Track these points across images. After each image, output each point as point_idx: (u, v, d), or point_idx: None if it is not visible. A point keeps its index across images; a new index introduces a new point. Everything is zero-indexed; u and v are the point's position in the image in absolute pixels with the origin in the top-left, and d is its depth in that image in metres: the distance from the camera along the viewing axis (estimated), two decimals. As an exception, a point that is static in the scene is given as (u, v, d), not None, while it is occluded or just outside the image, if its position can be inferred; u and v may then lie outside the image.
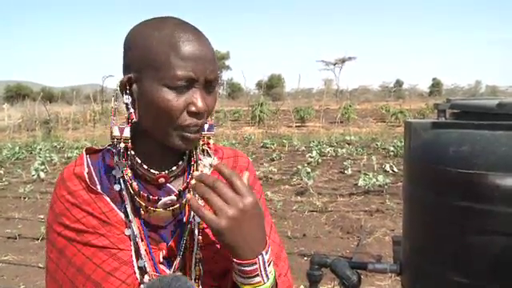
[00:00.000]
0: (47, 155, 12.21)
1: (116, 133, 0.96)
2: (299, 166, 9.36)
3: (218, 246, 1.02)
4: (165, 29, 0.92)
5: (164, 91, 0.90)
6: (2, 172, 10.25)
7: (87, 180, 1.00)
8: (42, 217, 6.76)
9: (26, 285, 4.46)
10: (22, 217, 6.88)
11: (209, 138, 1.07)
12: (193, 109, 0.92)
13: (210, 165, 1.07)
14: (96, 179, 1.02)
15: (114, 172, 1.01)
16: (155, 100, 0.90)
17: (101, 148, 1.08)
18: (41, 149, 14.15)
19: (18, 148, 14.21)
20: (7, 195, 8.30)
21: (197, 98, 0.92)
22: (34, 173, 9.53)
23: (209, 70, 0.92)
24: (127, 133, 0.96)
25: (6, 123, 22.90)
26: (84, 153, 1.06)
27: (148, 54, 0.91)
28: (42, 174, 9.60)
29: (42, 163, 10.38)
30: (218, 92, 1.01)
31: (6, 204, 7.69)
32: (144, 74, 0.92)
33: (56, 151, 13.90)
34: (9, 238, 5.92)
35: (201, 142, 1.07)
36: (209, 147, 1.08)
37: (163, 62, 0.89)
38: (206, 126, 1.06)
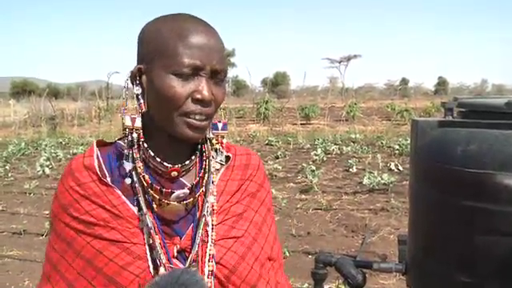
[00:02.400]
0: (52, 151, 12.26)
1: (128, 122, 0.98)
2: (304, 164, 9.36)
3: (231, 242, 1.02)
4: (175, 21, 0.95)
5: (170, 78, 0.92)
6: (7, 168, 10.29)
7: (98, 172, 1.00)
8: (47, 212, 6.78)
9: (30, 280, 4.48)
10: (27, 212, 6.91)
11: (222, 137, 1.09)
12: (198, 96, 0.93)
13: (222, 161, 1.09)
14: (106, 172, 1.02)
15: (124, 165, 1.00)
16: (161, 87, 0.93)
17: (111, 142, 1.08)
18: (46, 145, 14.20)
19: (23, 144, 14.27)
20: (13, 191, 8.34)
21: (202, 86, 0.94)
22: (39, 169, 9.57)
23: (215, 59, 0.95)
24: (138, 123, 0.98)
25: (12, 119, 23.02)
26: (94, 145, 1.06)
27: (157, 44, 0.94)
28: (48, 170, 9.64)
29: (48, 159, 10.44)
30: (226, 86, 1.02)
31: (12, 199, 7.73)
32: (153, 64, 0.94)
33: (61, 147, 13.95)
34: (14, 233, 5.95)
35: (214, 141, 1.08)
36: (222, 146, 1.09)
37: (170, 51, 0.92)
38: (220, 125, 1.08)
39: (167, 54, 0.92)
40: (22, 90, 46.82)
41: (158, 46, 0.94)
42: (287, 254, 4.88)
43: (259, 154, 11.76)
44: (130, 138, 0.98)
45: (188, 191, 1.00)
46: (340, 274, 1.45)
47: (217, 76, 0.96)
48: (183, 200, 1.00)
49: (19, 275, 4.63)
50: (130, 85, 0.99)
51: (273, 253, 1.12)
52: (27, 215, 6.78)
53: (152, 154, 1.00)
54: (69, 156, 11.86)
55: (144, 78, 0.97)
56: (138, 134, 0.98)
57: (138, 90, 0.97)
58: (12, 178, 9.54)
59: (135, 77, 0.97)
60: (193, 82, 0.93)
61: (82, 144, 14.15)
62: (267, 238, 1.11)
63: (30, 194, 8.04)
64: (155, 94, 0.94)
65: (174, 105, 0.93)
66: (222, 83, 0.99)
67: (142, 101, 0.97)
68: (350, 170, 9.47)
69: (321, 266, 1.52)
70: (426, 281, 1.30)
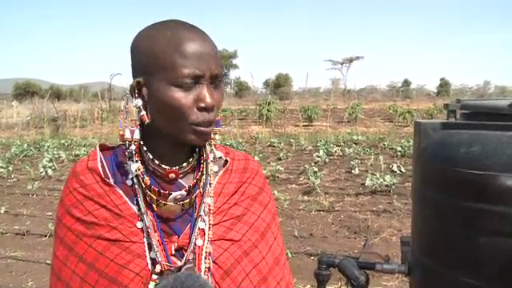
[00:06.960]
0: (55, 152, 12.30)
1: (127, 135, 1.01)
2: (306, 166, 9.36)
3: (228, 244, 1.04)
4: (167, 31, 0.96)
5: (173, 90, 0.94)
6: (10, 169, 10.31)
7: (101, 173, 1.03)
8: (49, 214, 6.80)
9: (34, 281, 4.49)
10: (30, 213, 6.92)
11: (215, 133, 1.10)
12: (202, 104, 0.96)
13: (220, 157, 1.12)
14: (109, 173, 1.05)
15: (126, 167, 1.04)
16: (166, 100, 0.95)
17: (113, 145, 1.12)
18: (49, 146, 14.22)
19: (26, 145, 14.31)
20: (15, 192, 8.36)
21: (205, 94, 0.96)
22: (41, 170, 9.60)
23: (213, 65, 0.97)
24: (137, 135, 1.01)
25: (15, 120, 23.10)
26: (97, 149, 1.09)
27: (154, 57, 0.95)
28: (50, 171, 9.66)
29: (50, 160, 10.47)
30: (223, 87, 1.04)
31: (15, 201, 7.74)
32: (152, 77, 0.96)
33: (64, 149, 13.98)
34: (17, 234, 5.97)
35: None
36: (214, 143, 1.12)
37: (169, 63, 0.94)
38: None
39: (166, 66, 0.94)
40: (25, 91, 46.85)
41: (155, 59, 0.95)
42: (290, 255, 4.88)
43: (261, 155, 11.78)
44: (129, 150, 1.02)
45: (185, 193, 1.02)
46: (343, 275, 1.45)
47: (215, 80, 0.98)
48: (180, 201, 1.02)
49: (22, 276, 4.64)
50: (130, 97, 1.01)
51: (278, 269, 1.10)
52: (30, 216, 6.79)
53: (151, 156, 1.03)
54: (71, 157, 11.88)
55: (144, 90, 0.98)
56: (137, 146, 1.01)
57: (138, 102, 0.99)
58: (15, 179, 9.56)
59: (134, 90, 0.99)
60: (194, 91, 0.96)
61: (84, 145, 14.16)
62: (271, 247, 1.10)
63: (32, 195, 8.06)
64: (160, 106, 0.96)
65: (181, 116, 0.95)
66: (220, 86, 1.01)
67: (143, 112, 0.99)
68: (353, 171, 9.46)
69: (324, 268, 1.52)
70: (428, 282, 1.30)
